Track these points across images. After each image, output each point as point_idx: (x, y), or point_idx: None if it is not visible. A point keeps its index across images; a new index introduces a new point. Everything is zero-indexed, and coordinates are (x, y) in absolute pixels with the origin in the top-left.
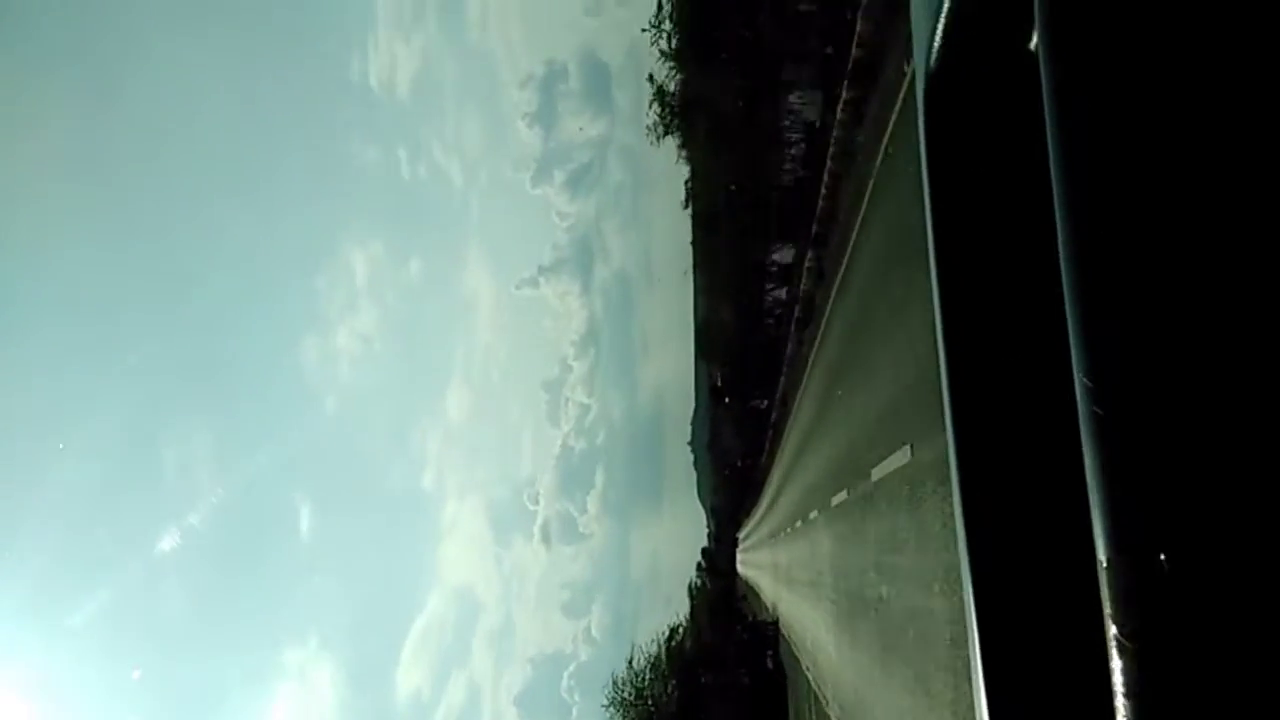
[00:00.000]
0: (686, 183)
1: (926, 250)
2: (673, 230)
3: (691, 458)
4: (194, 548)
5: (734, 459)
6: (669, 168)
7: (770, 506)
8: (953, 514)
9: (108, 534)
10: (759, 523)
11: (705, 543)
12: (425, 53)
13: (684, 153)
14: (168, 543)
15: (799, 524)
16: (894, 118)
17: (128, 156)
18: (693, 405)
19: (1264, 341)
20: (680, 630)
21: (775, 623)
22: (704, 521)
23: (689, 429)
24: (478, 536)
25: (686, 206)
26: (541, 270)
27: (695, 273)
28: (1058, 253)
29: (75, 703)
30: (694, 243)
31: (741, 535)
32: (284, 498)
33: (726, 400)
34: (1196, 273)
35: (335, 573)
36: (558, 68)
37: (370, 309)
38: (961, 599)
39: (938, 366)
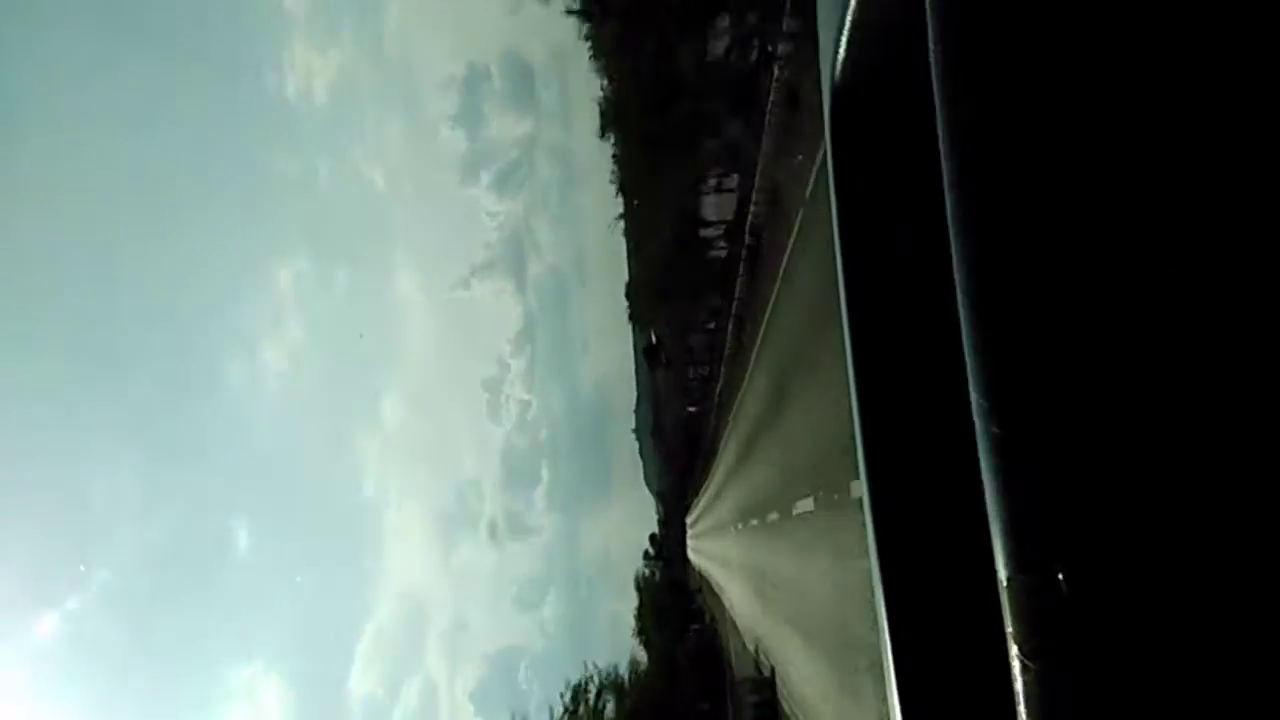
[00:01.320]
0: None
1: (835, 264)
2: (603, 219)
3: (637, 445)
4: (127, 579)
5: (678, 439)
6: (596, 159)
7: (719, 488)
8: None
9: (36, 572)
10: (706, 509)
11: (654, 529)
12: (343, 61)
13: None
14: (99, 576)
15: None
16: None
17: (35, 173)
18: (635, 395)
19: (1157, 359)
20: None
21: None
22: (652, 508)
23: (633, 418)
24: (424, 539)
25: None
26: (474, 270)
27: (626, 228)
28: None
29: None
30: (625, 207)
31: (690, 521)
32: (219, 519)
33: (665, 361)
34: (1087, 290)
35: (278, 589)
36: (479, 68)
37: (297, 322)
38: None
39: (847, 389)
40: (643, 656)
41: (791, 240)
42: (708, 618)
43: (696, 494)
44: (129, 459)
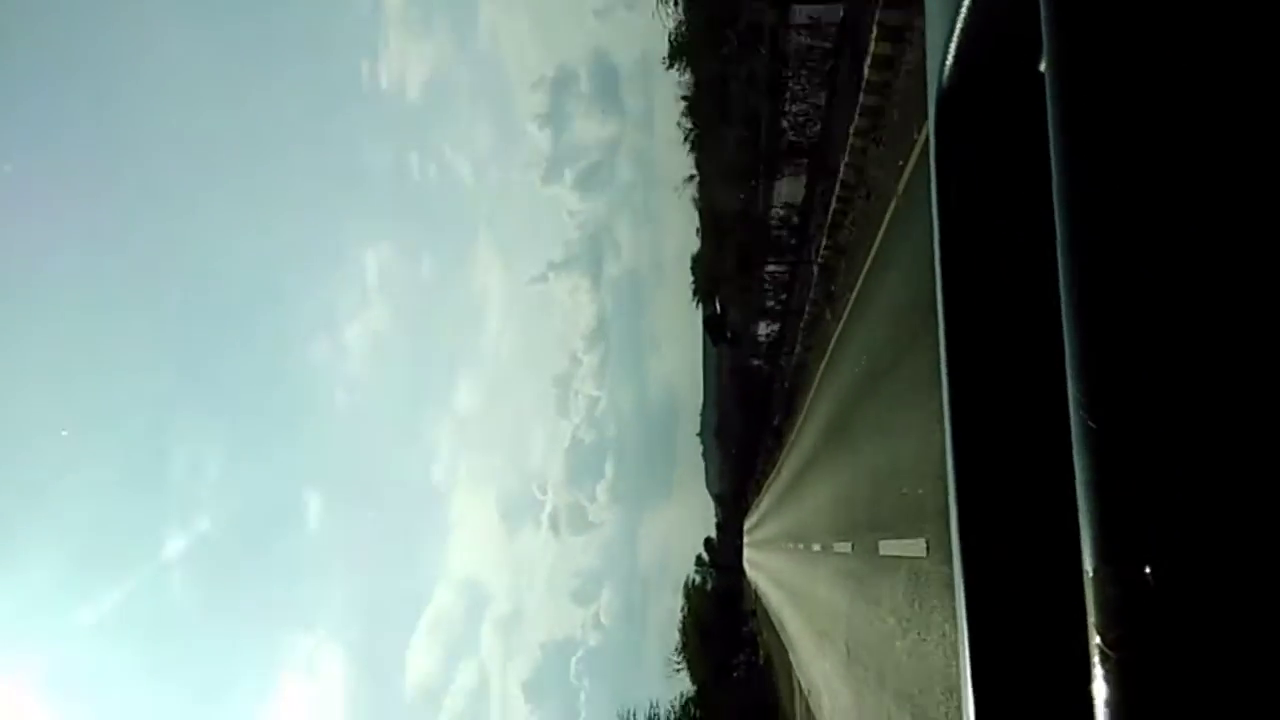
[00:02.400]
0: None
1: (934, 268)
2: (680, 228)
3: (700, 448)
4: (204, 543)
5: (740, 440)
6: (677, 164)
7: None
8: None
9: (120, 531)
10: (763, 518)
11: (710, 532)
12: (436, 55)
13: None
14: (178, 538)
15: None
16: None
17: (140, 160)
18: (701, 398)
19: (1251, 362)
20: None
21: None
22: (711, 511)
23: (698, 420)
24: (487, 527)
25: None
26: (552, 266)
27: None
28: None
29: (90, 696)
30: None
31: (748, 527)
32: (293, 492)
33: (729, 336)
34: (1187, 295)
35: (344, 565)
36: (568, 70)
37: (382, 306)
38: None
39: (938, 373)
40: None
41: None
42: (761, 653)
43: (759, 493)
44: (214, 429)
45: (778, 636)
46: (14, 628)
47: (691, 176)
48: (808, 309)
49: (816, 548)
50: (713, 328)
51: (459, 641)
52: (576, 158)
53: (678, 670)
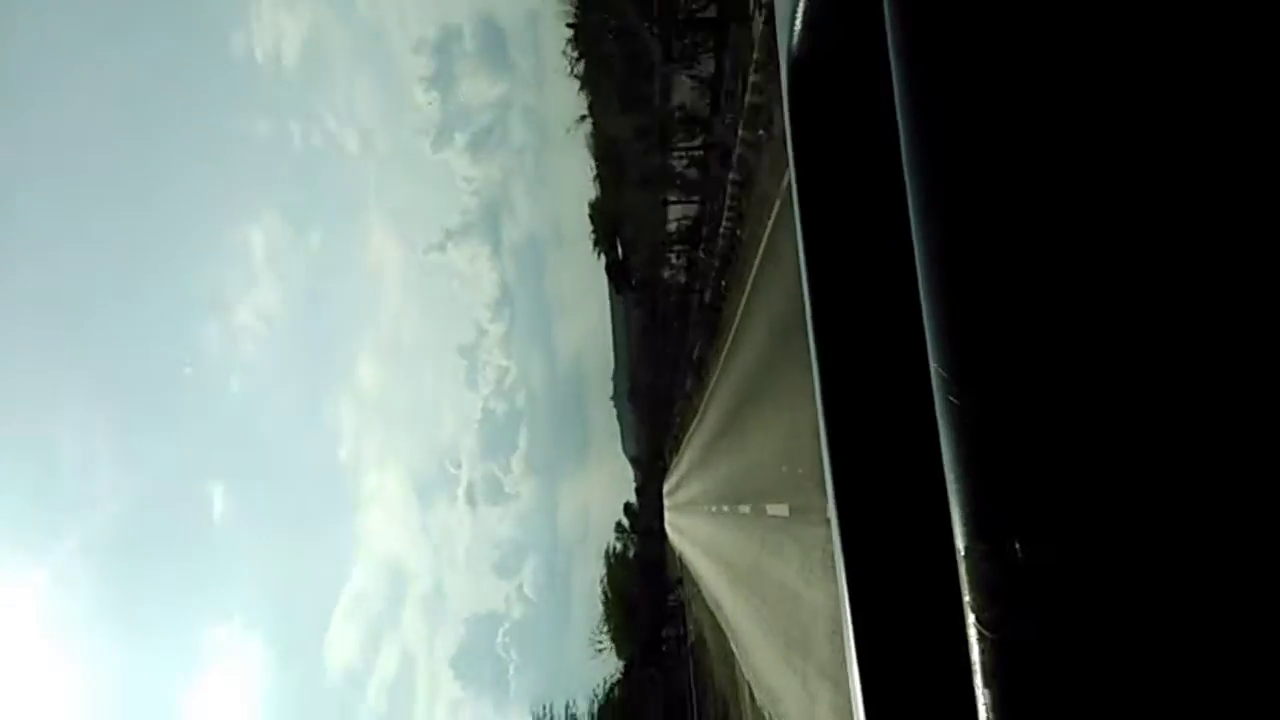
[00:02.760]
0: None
1: (797, 242)
2: (578, 189)
3: (615, 413)
4: (101, 542)
5: (653, 401)
6: (569, 121)
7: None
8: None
9: (8, 537)
10: (686, 477)
11: (630, 497)
12: (310, 21)
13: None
14: (72, 540)
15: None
16: None
17: (6, 144)
18: (613, 362)
19: (1113, 328)
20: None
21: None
22: (630, 476)
23: (610, 385)
24: (400, 505)
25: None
26: (449, 235)
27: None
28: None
29: None
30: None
31: (667, 490)
32: (193, 484)
33: (632, 282)
34: (1039, 261)
35: (255, 553)
36: (451, 29)
37: (272, 285)
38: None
39: (808, 357)
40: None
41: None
42: (689, 627)
43: (676, 454)
44: (101, 422)
45: (708, 608)
46: None
47: (583, 116)
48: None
49: (725, 509)
50: (615, 274)
51: (380, 622)
52: (466, 121)
53: (600, 650)
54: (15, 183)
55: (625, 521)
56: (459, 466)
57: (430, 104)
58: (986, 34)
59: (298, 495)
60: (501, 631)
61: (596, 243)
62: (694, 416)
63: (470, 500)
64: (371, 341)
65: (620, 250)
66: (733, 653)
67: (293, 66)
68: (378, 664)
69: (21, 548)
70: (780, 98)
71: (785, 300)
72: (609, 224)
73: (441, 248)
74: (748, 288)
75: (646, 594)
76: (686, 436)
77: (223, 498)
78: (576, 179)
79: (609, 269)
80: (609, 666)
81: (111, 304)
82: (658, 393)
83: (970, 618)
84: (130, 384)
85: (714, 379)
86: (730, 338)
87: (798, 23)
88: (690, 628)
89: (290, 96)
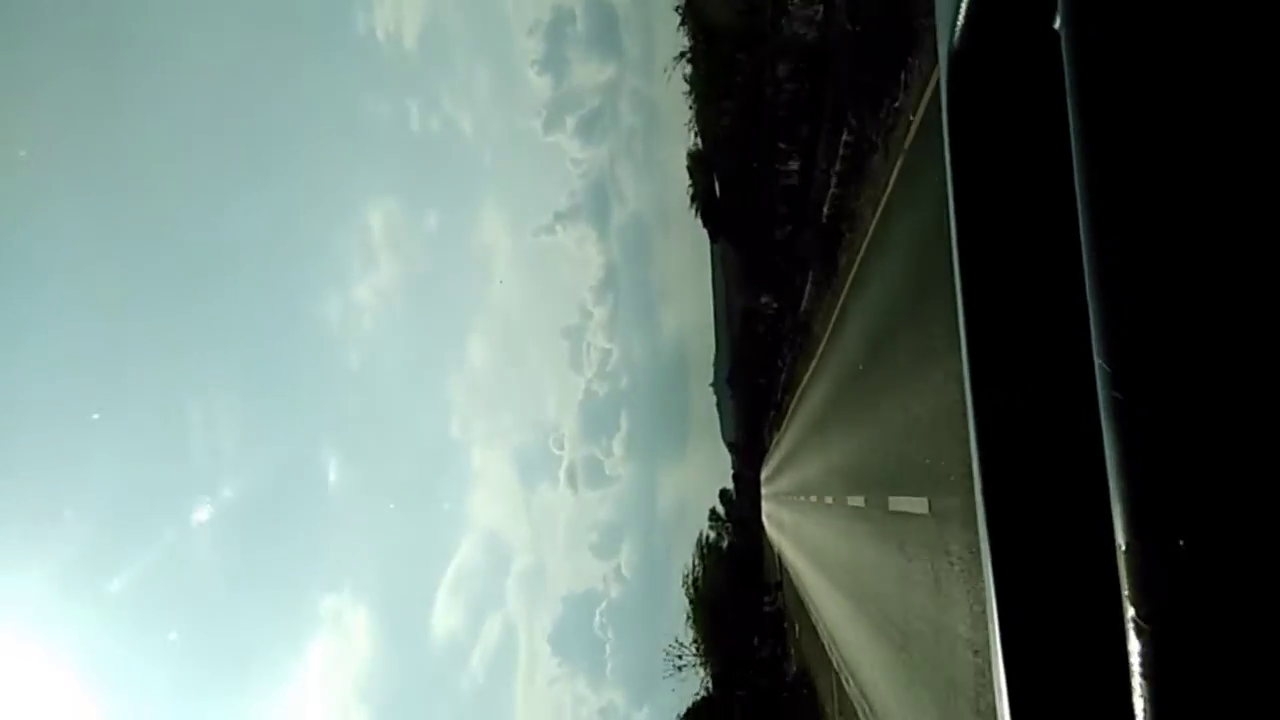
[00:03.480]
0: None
1: (949, 232)
2: (685, 175)
3: (715, 399)
4: (224, 509)
5: (752, 386)
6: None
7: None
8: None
9: (140, 501)
10: (785, 462)
11: (727, 483)
12: (430, 2)
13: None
14: (198, 506)
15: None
16: None
17: (137, 128)
18: (714, 348)
19: (1275, 329)
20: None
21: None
22: (727, 462)
23: (711, 371)
24: (506, 482)
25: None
26: (558, 217)
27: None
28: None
29: (117, 666)
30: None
31: (765, 476)
32: (311, 453)
33: (727, 226)
34: (1215, 257)
35: (366, 524)
36: (564, 11)
37: (389, 263)
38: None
39: (958, 346)
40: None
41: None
42: (791, 653)
43: (776, 434)
44: (226, 393)
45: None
46: (44, 600)
47: (682, 54)
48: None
49: (829, 500)
50: (710, 217)
51: (484, 596)
52: (577, 104)
53: (679, 667)
54: (148, 159)
55: (721, 509)
56: (561, 447)
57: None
58: (1162, 28)
59: (410, 468)
60: (599, 611)
61: (693, 199)
62: (798, 387)
63: (571, 481)
64: (483, 320)
65: (716, 187)
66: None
67: (412, 47)
68: (480, 637)
69: (154, 514)
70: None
71: (911, 239)
72: (706, 166)
73: (550, 230)
74: (868, 234)
75: (737, 595)
76: (789, 410)
77: (339, 468)
78: (682, 165)
79: (703, 215)
80: (691, 684)
81: (238, 282)
82: (755, 381)
83: (1129, 612)
84: (259, 358)
85: (823, 340)
86: (844, 291)
87: (961, 16)
88: (791, 650)
89: (409, 77)
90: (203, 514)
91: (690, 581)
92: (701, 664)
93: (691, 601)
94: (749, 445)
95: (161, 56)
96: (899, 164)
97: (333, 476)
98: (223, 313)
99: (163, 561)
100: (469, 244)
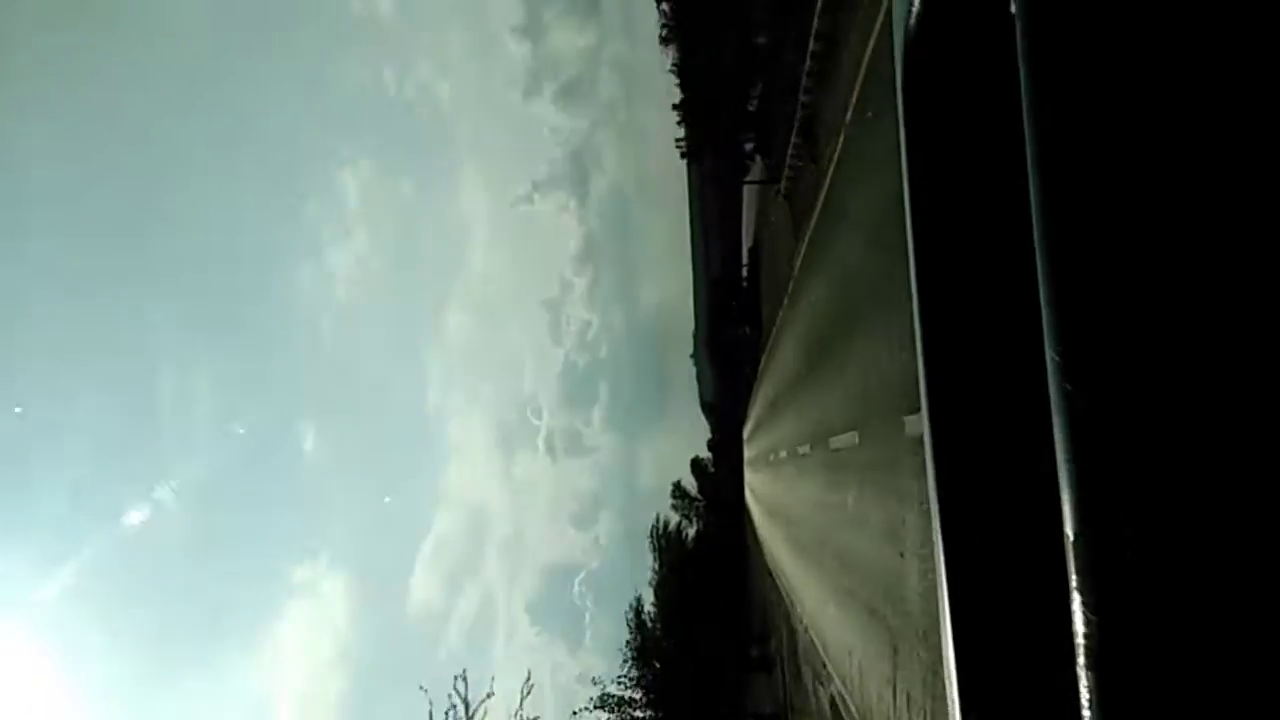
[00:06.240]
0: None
1: (904, 213)
2: (666, 143)
3: (694, 370)
4: (201, 478)
5: (729, 352)
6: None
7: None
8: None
9: (116, 468)
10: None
11: (702, 450)
12: None
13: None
14: (171, 473)
15: None
16: None
17: (102, 87)
18: (693, 322)
19: (1230, 317)
20: None
21: None
22: (707, 432)
23: (691, 342)
24: (484, 453)
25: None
26: (536, 186)
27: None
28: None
29: (98, 630)
30: None
31: (748, 434)
32: (286, 422)
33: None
34: (1166, 250)
35: (343, 494)
36: None
37: (364, 231)
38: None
39: (913, 338)
40: None
41: None
42: None
43: (758, 380)
44: (199, 361)
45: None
46: (12, 573)
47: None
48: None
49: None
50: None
51: (462, 566)
52: (556, 71)
53: None
54: (117, 126)
55: (692, 484)
56: (540, 418)
57: (521, 53)
58: (1118, 10)
59: (387, 438)
60: (578, 581)
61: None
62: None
63: (550, 451)
64: (460, 290)
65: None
66: None
67: (389, 11)
68: (458, 606)
69: (126, 481)
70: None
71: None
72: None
73: (529, 199)
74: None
75: (701, 633)
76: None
77: (315, 438)
78: (663, 133)
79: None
80: None
81: (210, 244)
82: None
83: (1077, 600)
84: (231, 325)
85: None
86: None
87: (914, 3)
88: None
89: (385, 42)
90: (173, 487)
91: (632, 611)
92: None
93: (631, 649)
94: (730, 412)
95: (132, 20)
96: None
97: (309, 446)
98: (193, 279)
99: (136, 531)
100: (446, 211)
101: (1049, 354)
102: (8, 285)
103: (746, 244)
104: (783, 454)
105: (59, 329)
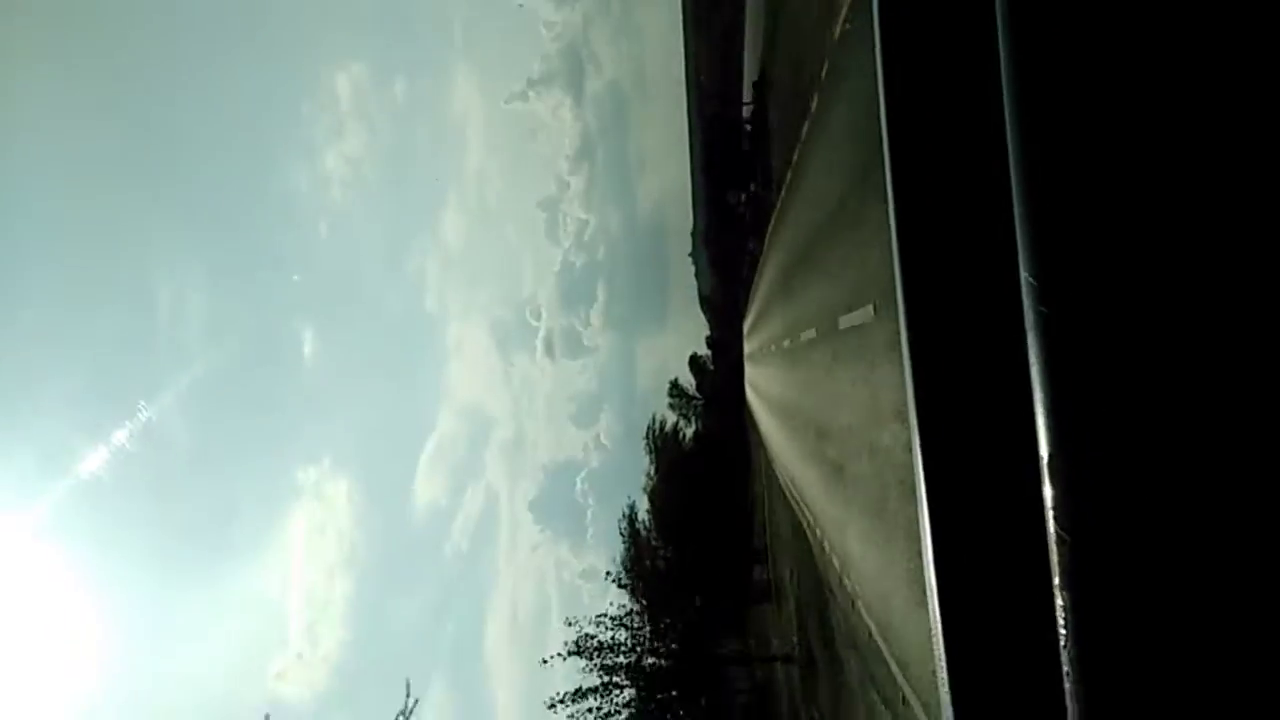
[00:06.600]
0: None
1: (881, 137)
2: (663, 38)
3: (693, 269)
4: (197, 379)
5: (727, 245)
6: None
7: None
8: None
9: (110, 374)
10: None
11: (701, 349)
12: None
13: None
14: (171, 377)
15: None
16: None
17: None
18: (691, 219)
19: (1206, 243)
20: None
21: None
22: (706, 330)
23: (689, 240)
24: (484, 354)
25: None
26: (531, 84)
27: None
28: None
29: (101, 539)
30: None
31: (748, 327)
32: (285, 324)
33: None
34: (1141, 183)
35: (343, 396)
36: None
37: (358, 131)
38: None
39: (892, 276)
40: None
41: None
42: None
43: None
44: (195, 265)
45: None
46: (19, 480)
47: None
48: None
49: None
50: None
51: (465, 466)
52: None
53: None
54: (108, 25)
55: (691, 381)
56: (539, 319)
57: None
58: None
59: (385, 340)
60: (580, 479)
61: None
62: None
63: (549, 351)
64: (456, 190)
65: None
66: None
67: None
68: (462, 504)
69: (127, 388)
70: None
71: None
72: None
73: (524, 97)
74: None
75: (703, 541)
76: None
77: (314, 341)
78: (661, 25)
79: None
80: None
81: (201, 147)
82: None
83: (1051, 522)
84: (228, 227)
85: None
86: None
87: None
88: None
89: None
90: (173, 381)
91: (626, 518)
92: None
93: (625, 569)
94: (729, 307)
95: None
96: None
97: (309, 349)
98: (187, 180)
99: (138, 436)
100: (440, 110)
101: (1024, 278)
102: (3, 193)
103: (750, 76)
104: (786, 343)
105: (53, 229)
